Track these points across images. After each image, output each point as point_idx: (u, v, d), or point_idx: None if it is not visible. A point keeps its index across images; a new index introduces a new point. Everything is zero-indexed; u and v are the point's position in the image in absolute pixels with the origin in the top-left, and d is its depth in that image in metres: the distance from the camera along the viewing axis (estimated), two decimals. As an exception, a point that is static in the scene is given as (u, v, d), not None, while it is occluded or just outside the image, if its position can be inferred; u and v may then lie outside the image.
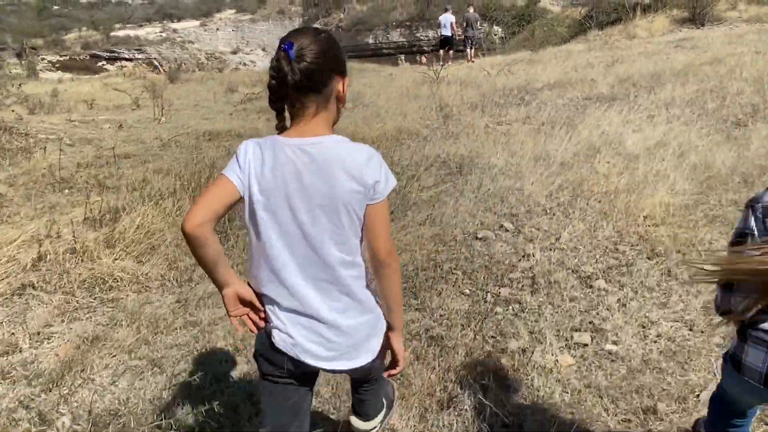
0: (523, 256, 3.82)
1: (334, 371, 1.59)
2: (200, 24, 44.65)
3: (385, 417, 2.01)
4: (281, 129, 1.54)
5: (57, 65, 36.59)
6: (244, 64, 41.55)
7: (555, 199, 4.72)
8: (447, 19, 16.12)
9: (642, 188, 4.76)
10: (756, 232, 1.47)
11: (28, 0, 56.50)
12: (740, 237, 1.52)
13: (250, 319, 1.57)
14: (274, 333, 1.54)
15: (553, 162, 5.83)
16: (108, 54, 37.18)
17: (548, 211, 4.52)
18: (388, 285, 1.55)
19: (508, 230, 4.25)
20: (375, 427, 1.96)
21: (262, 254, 1.51)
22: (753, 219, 1.48)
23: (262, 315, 1.57)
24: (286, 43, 1.42)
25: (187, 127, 9.70)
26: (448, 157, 6.40)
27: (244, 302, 1.55)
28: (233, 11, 51.05)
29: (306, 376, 1.62)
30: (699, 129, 6.74)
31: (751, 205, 1.51)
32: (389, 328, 1.62)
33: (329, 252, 1.47)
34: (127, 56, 37.38)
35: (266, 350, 1.58)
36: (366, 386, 1.86)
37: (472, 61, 16.62)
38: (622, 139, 6.60)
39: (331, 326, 1.52)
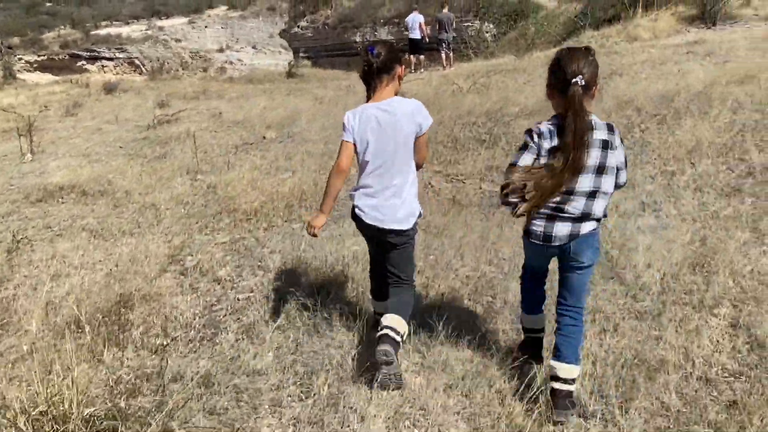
0: None
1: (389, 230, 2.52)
2: (188, 21, 41.65)
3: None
4: (368, 98, 2.50)
5: (35, 65, 33.78)
6: (231, 63, 38.54)
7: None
8: (415, 19, 13.15)
9: None
10: (535, 148, 2.14)
11: (23, -3, 53.64)
12: (520, 150, 2.18)
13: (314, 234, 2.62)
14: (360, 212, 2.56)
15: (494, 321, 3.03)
16: (88, 53, 34.28)
17: None
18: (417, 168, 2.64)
19: None
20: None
21: (363, 167, 2.51)
22: (532, 138, 2.15)
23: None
24: (369, 47, 2.45)
25: (40, 172, 6.93)
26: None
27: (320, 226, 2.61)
28: (225, 8, 47.93)
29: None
30: (752, 214, 3.91)
31: (530, 130, 2.20)
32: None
33: (398, 164, 2.47)
34: (107, 56, 34.50)
35: (358, 221, 2.58)
36: None
37: (448, 68, 13.71)
38: (625, 243, 3.77)
39: (391, 205, 2.49)
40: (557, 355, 2.15)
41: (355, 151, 2.49)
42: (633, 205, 4.49)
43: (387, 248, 2.55)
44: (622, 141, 2.16)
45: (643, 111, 7.15)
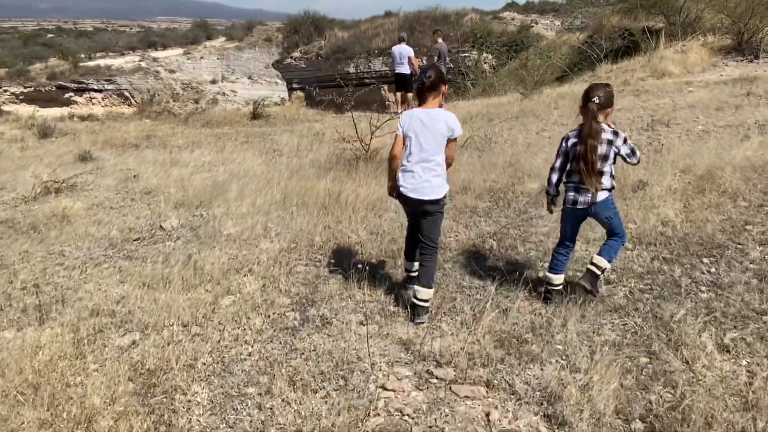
0: None
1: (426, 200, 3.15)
2: (184, 52, 39.23)
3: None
4: (419, 105, 3.16)
5: (21, 97, 31.23)
6: (224, 94, 35.93)
7: None
8: (402, 52, 10.35)
9: None
10: (563, 151, 3.17)
11: (26, 29, 51.67)
12: (557, 156, 3.21)
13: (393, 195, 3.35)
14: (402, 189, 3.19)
15: None
16: (75, 85, 31.75)
17: None
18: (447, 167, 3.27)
19: None
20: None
21: (408, 154, 3.14)
22: (564, 145, 3.16)
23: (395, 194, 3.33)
24: (425, 70, 3.15)
25: None
26: None
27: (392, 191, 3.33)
28: (223, 39, 45.57)
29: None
30: None
31: (564, 137, 3.19)
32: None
33: (433, 155, 3.09)
34: (95, 87, 31.96)
35: (402, 197, 3.22)
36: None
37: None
38: None
39: (427, 182, 3.11)
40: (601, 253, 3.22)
41: (407, 141, 3.15)
42: None
43: (423, 216, 3.17)
44: (626, 140, 3.08)
45: (741, 199, 4.28)
